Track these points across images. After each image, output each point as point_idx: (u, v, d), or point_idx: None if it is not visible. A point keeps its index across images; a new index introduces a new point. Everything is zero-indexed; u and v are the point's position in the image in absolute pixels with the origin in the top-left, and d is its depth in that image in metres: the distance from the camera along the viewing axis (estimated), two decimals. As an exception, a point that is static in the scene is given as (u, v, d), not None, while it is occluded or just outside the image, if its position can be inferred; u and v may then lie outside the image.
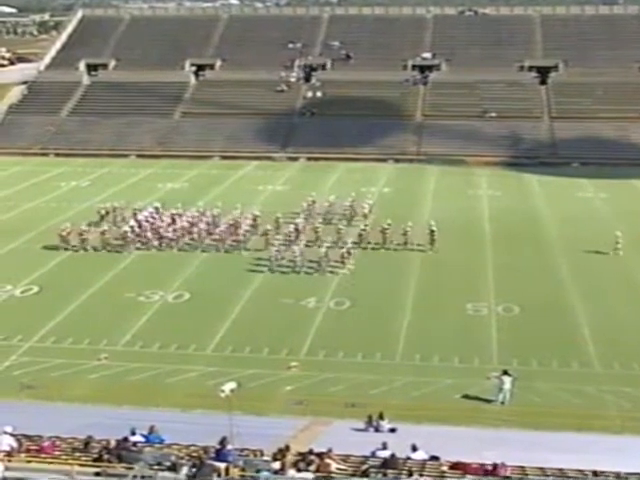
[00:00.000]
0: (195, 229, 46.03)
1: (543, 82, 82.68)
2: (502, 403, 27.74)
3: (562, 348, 32.15)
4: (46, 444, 20.81)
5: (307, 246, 43.80)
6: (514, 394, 27.90)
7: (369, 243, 45.07)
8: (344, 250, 42.21)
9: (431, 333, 33.78)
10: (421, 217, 51.34)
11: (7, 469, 17.95)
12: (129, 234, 45.37)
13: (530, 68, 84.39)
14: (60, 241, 45.22)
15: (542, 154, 71.97)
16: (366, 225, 46.71)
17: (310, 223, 47.85)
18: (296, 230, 45.60)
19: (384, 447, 21.59)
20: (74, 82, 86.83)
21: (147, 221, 47.64)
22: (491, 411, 27.29)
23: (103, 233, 45.62)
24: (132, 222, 47.01)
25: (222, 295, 38.13)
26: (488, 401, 27.90)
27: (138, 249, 45.05)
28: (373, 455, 21.35)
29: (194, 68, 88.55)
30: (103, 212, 50.32)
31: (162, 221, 47.17)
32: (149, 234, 45.52)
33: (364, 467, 19.87)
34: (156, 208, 50.16)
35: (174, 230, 45.95)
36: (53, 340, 33.17)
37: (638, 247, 44.96)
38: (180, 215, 48.01)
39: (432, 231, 44.78)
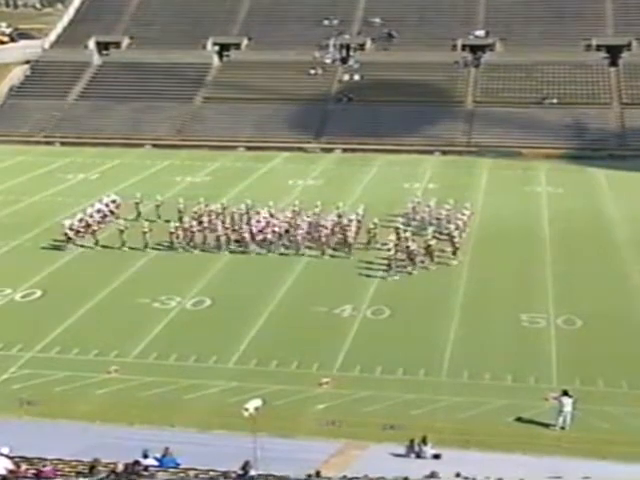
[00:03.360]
0: (299, 231, 45.81)
1: (613, 63, 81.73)
2: (562, 428, 27.53)
3: (632, 366, 31.80)
4: (47, 469, 20.87)
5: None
6: (576, 418, 27.67)
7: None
8: (457, 240, 43.72)
9: (481, 347, 33.63)
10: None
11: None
12: (67, 230, 45.78)
13: (598, 47, 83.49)
14: (66, 239, 45.67)
15: (610, 145, 71.37)
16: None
17: (417, 227, 47.70)
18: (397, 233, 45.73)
19: (432, 476, 21.50)
20: (83, 62, 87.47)
21: (91, 216, 47.97)
22: (549, 437, 27.10)
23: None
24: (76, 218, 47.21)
25: (247, 302, 38.25)
26: (546, 425, 27.70)
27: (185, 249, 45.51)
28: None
29: (217, 48, 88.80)
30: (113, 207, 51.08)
31: (258, 221, 46.97)
32: (247, 235, 45.62)
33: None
34: (113, 201, 50.96)
35: (273, 231, 45.75)
36: (57, 350, 33.43)
37: None
38: (272, 215, 47.74)
39: (397, 228, 45.59)
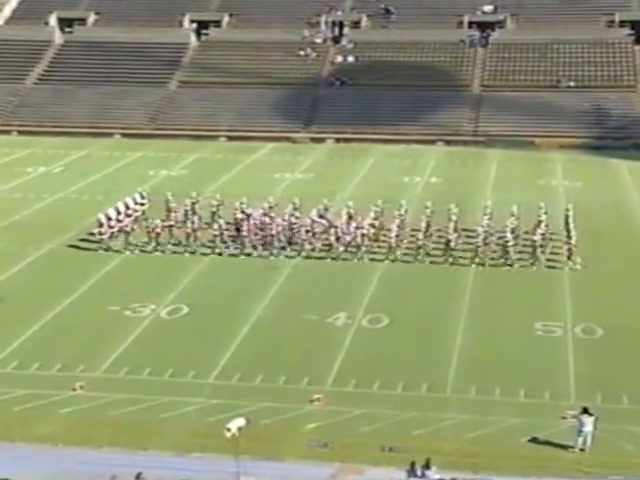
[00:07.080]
0: (392, 233, 45.28)
1: (639, 41, 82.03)
2: (582, 450, 27.49)
3: (659, 380, 31.93)
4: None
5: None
6: (598, 438, 27.69)
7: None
8: (572, 242, 43.81)
9: (490, 359, 33.62)
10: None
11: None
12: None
13: (622, 23, 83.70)
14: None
15: (635, 134, 71.66)
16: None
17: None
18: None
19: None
20: (43, 41, 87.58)
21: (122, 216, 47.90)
22: (568, 459, 27.05)
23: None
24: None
25: (228, 309, 38.21)
26: (564, 447, 27.68)
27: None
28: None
29: (195, 25, 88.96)
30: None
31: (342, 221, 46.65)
32: (332, 238, 45.20)
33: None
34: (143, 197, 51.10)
35: (362, 235, 45.15)
36: (14, 365, 33.25)
37: None
38: (350, 215, 47.40)
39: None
